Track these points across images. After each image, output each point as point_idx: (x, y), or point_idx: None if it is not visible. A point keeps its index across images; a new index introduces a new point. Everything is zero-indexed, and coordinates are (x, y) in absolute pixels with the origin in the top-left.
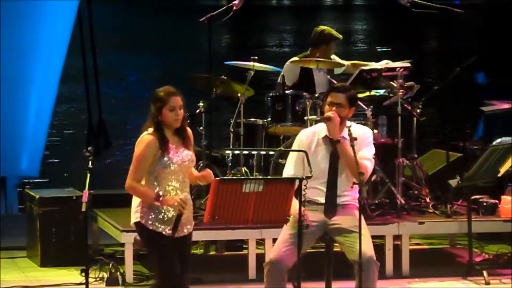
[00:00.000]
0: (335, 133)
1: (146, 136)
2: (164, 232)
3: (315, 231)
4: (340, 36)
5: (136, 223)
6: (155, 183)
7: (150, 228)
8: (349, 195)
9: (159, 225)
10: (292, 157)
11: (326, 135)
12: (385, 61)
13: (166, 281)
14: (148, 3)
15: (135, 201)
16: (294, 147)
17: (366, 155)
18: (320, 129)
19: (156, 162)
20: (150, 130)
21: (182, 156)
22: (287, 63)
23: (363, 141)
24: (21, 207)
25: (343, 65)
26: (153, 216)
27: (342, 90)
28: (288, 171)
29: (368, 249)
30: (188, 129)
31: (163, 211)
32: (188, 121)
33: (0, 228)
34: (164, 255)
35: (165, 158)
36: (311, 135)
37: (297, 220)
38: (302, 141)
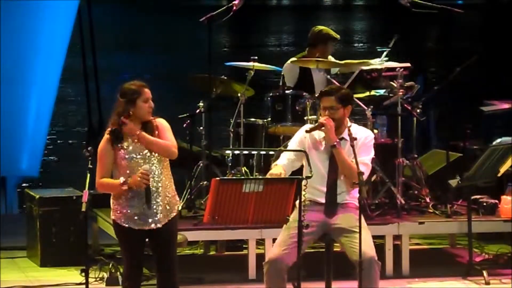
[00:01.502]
0: (331, 139)
1: (105, 135)
2: (127, 225)
3: (315, 231)
4: (338, 36)
5: (112, 220)
6: (122, 177)
7: (118, 222)
8: (349, 194)
9: (124, 220)
10: (294, 141)
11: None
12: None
13: (123, 273)
14: (148, 3)
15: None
16: (298, 134)
17: (363, 160)
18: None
19: (118, 156)
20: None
21: (139, 148)
22: (286, 63)
23: (363, 145)
24: (21, 207)
25: (342, 64)
26: (118, 211)
27: (331, 93)
28: (287, 155)
29: (369, 249)
30: (160, 120)
31: (126, 205)
32: (188, 120)
33: (0, 228)
34: (123, 247)
35: (123, 151)
36: (314, 132)
37: (296, 220)
38: (306, 137)
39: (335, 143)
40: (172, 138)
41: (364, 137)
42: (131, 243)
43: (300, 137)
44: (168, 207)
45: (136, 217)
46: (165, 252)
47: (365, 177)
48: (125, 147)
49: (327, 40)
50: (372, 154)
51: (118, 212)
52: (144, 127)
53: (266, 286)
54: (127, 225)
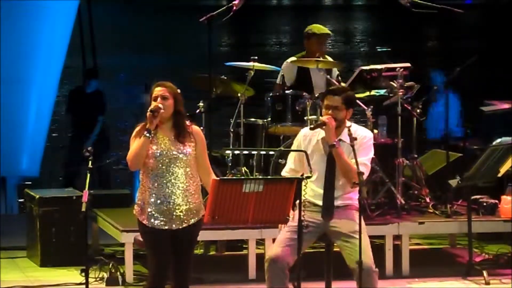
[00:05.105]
0: (330, 138)
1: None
2: (148, 223)
3: (314, 231)
4: (326, 31)
5: (138, 222)
6: (147, 172)
7: (140, 220)
8: (347, 197)
9: (148, 218)
10: (293, 154)
11: (324, 137)
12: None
13: (149, 274)
14: (148, 3)
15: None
16: (294, 146)
17: (362, 160)
18: (319, 130)
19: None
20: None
21: (168, 148)
22: (285, 62)
23: (362, 145)
24: (22, 207)
25: (341, 65)
26: (143, 209)
27: (338, 93)
28: (289, 165)
29: (367, 258)
30: (196, 128)
31: (151, 203)
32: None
33: (0, 228)
34: (149, 247)
35: (151, 150)
36: (310, 136)
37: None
38: (301, 142)
39: (334, 143)
40: (207, 161)
41: (362, 136)
42: (156, 243)
43: (296, 144)
44: (193, 209)
45: (160, 216)
46: (184, 254)
47: (364, 177)
48: (155, 145)
49: (309, 37)
50: (371, 154)
51: (143, 215)
52: (174, 128)
53: (268, 285)
54: (151, 225)
